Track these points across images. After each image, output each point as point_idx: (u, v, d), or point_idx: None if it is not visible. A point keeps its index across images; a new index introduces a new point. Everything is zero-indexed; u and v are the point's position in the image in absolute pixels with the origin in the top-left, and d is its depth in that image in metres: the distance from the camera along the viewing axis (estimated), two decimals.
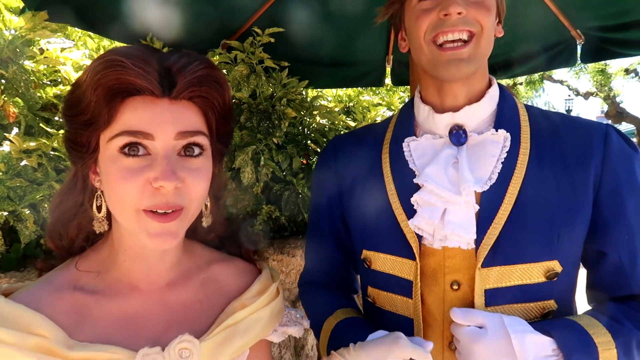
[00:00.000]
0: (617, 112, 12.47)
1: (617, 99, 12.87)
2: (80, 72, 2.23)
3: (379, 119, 3.53)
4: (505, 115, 0.99)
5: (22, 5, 1.98)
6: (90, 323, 0.75)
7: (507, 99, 1.02)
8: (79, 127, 0.76)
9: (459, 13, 0.89)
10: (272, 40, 2.64)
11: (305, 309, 1.22)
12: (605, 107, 13.09)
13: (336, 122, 3.15)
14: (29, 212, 1.77)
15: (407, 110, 1.11)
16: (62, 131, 1.93)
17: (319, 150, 2.96)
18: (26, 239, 1.79)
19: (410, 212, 0.98)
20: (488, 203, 0.93)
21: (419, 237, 0.97)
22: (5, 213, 1.71)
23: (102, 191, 0.80)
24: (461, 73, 0.93)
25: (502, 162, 0.94)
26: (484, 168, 0.95)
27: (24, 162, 1.81)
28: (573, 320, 0.89)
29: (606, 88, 12.79)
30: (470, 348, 0.84)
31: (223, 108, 0.82)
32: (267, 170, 2.65)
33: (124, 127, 0.73)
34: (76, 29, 2.50)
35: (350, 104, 3.54)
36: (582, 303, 0.96)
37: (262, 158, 2.60)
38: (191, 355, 0.76)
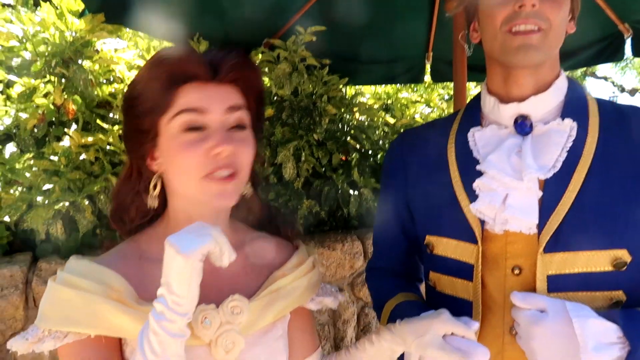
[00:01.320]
0: None
1: None
2: (133, 71, 2.34)
3: (417, 116, 3.54)
4: (573, 106, 1.00)
5: (81, 7, 2.09)
6: (152, 285, 0.82)
7: (575, 90, 1.03)
8: (141, 116, 0.88)
9: (533, 5, 0.91)
10: (314, 38, 2.69)
11: (370, 292, 1.28)
12: None
13: (375, 119, 3.18)
14: (87, 203, 1.88)
15: (474, 103, 1.13)
16: (117, 127, 2.04)
17: (358, 146, 2.99)
18: (84, 228, 1.90)
19: (473, 197, 1.00)
20: (552, 190, 0.94)
21: (482, 223, 0.99)
22: (66, 204, 1.82)
23: (160, 174, 0.92)
24: (529, 58, 0.94)
25: (567, 151, 0.95)
26: (548, 156, 0.96)
27: (82, 156, 1.92)
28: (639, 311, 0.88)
29: None
30: (530, 331, 0.84)
31: (258, 89, 0.96)
32: (308, 165, 2.71)
33: (182, 107, 0.85)
34: (127, 30, 2.61)
35: (389, 101, 3.56)
36: None
37: (303, 154, 2.66)
38: (241, 313, 0.86)
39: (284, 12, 2.90)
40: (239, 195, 0.92)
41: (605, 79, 12.75)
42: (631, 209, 0.91)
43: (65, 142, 1.94)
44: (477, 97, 1.13)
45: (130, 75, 2.33)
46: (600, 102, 1.02)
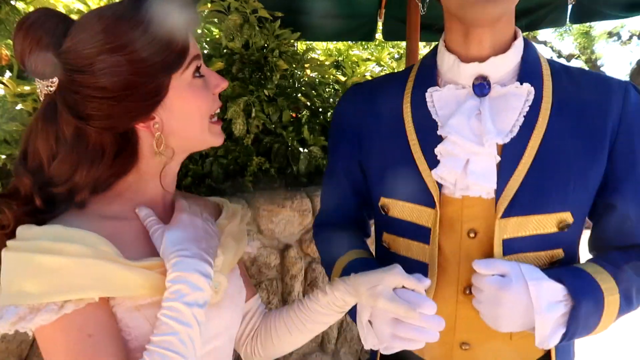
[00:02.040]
0: None
1: (599, 62, 12.99)
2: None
3: (368, 75, 3.54)
4: (529, 69, 1.00)
5: None
6: (130, 245, 0.80)
7: (530, 52, 1.02)
8: (155, 73, 0.79)
9: None
10: None
11: (318, 248, 1.28)
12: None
13: (326, 76, 3.16)
14: None
15: (429, 60, 1.11)
16: None
17: (308, 103, 2.98)
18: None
19: (432, 162, 1.00)
20: (509, 155, 0.95)
21: (440, 186, 1.00)
22: (3, 156, 1.72)
23: (159, 132, 0.85)
24: (487, 13, 0.91)
25: (524, 116, 0.96)
26: (506, 120, 0.97)
27: (19, 106, 1.80)
28: (581, 268, 0.94)
29: (588, 51, 12.88)
30: (496, 295, 0.87)
31: None
32: (258, 122, 2.67)
33: (193, 54, 0.85)
34: None
35: (340, 59, 3.53)
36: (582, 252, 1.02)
37: (253, 110, 2.61)
38: (219, 255, 0.89)
39: None
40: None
41: (545, 43, 13.19)
42: (581, 172, 0.94)
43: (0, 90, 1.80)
44: (433, 54, 1.11)
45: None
46: (552, 65, 1.03)
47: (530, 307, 0.86)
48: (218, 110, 0.93)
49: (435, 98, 1.04)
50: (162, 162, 0.89)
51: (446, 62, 1.05)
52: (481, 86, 0.99)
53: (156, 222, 0.84)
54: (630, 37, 12.68)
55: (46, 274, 0.70)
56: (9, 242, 0.73)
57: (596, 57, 12.87)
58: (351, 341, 3.06)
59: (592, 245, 1.07)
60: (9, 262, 0.72)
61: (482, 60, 0.99)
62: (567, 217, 0.96)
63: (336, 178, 1.22)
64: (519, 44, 1.01)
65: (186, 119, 0.87)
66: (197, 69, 0.86)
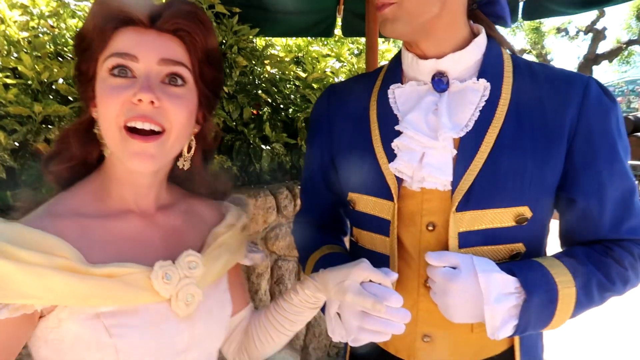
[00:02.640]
0: None
1: (549, 57, 13.49)
2: (15, 10, 2.07)
3: (328, 70, 3.53)
4: (489, 65, 1.01)
5: None
6: (100, 245, 0.81)
7: (493, 49, 1.04)
8: (80, 55, 0.86)
9: None
10: None
11: (295, 244, 1.30)
12: None
13: (287, 72, 3.13)
14: None
15: (396, 59, 1.13)
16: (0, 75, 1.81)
17: (269, 100, 2.94)
18: None
19: (391, 156, 1.02)
20: (465, 149, 0.97)
21: (399, 181, 1.02)
22: None
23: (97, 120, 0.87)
24: (389, 32, 0.96)
25: (480, 110, 0.98)
26: (462, 115, 0.98)
27: None
28: (536, 262, 0.95)
29: (539, 46, 13.35)
30: (446, 287, 0.89)
31: (206, 49, 0.88)
32: (218, 119, 2.62)
33: (113, 50, 0.81)
34: None
35: (300, 55, 3.51)
36: (556, 249, 1.03)
37: None
38: (197, 267, 0.87)
39: None
40: (163, 162, 0.86)
41: None
42: (537, 167, 0.96)
43: None
44: (400, 53, 1.13)
45: (12, 15, 2.06)
46: (515, 62, 1.05)
47: (481, 298, 0.88)
48: (147, 125, 0.80)
49: (397, 94, 1.07)
50: (115, 164, 0.87)
51: (406, 60, 1.07)
52: (439, 82, 1.01)
53: None
54: (577, 33, 13.24)
55: None
56: None
57: (546, 52, 13.37)
58: (319, 336, 3.06)
59: (561, 241, 1.09)
60: None
61: (439, 56, 1.01)
62: (525, 211, 0.97)
63: (312, 176, 1.24)
64: (479, 41, 1.02)
65: (100, 115, 0.83)
66: (119, 67, 0.80)
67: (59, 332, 0.77)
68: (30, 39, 2.05)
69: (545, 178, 0.97)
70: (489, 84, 0.99)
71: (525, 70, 1.03)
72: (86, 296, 0.75)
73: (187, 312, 0.86)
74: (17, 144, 1.83)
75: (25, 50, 1.98)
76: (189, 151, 0.95)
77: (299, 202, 2.89)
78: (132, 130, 0.80)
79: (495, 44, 1.05)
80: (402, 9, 0.94)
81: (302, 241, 1.27)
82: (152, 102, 0.79)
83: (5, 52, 1.95)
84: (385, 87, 1.10)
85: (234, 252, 1.02)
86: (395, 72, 1.11)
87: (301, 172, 3.14)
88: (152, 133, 0.81)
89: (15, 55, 1.97)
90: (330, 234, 1.26)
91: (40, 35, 2.14)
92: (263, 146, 2.73)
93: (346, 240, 1.30)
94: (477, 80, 1.00)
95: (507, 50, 1.08)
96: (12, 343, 0.75)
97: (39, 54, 2.01)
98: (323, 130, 1.18)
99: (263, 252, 1.14)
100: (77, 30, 2.33)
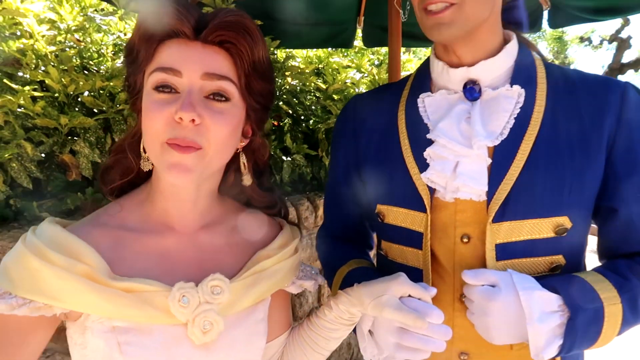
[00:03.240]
0: None
1: (572, 66, 13.29)
2: (44, 25, 2.12)
3: (348, 82, 3.53)
4: (522, 72, 0.99)
5: None
6: (130, 258, 0.81)
7: (525, 55, 1.02)
8: (128, 67, 0.86)
9: None
10: None
11: (320, 260, 1.26)
12: None
13: (307, 84, 3.13)
14: None
15: (424, 67, 1.11)
16: (28, 87, 1.85)
17: (290, 111, 2.94)
18: None
19: (423, 166, 0.99)
20: (500, 157, 0.94)
21: (431, 191, 0.99)
22: None
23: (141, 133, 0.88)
24: (444, 36, 0.93)
25: (514, 118, 0.95)
26: (496, 122, 0.96)
27: None
28: (579, 277, 0.91)
29: (562, 55, 13.17)
30: (485, 306, 0.85)
31: (253, 60, 0.85)
32: None
33: (158, 65, 0.81)
34: None
35: (320, 66, 3.51)
36: (594, 262, 0.98)
37: None
38: (222, 293, 0.82)
39: None
40: (202, 175, 0.84)
41: None
42: (576, 175, 0.92)
43: None
44: (427, 62, 1.11)
45: (40, 30, 2.11)
46: (549, 68, 1.03)
47: (522, 318, 0.84)
48: (190, 143, 0.78)
49: (427, 103, 1.04)
50: (160, 178, 0.87)
51: (436, 68, 1.05)
52: (471, 90, 0.99)
53: None
54: (601, 42, 13.02)
55: (27, 272, 0.74)
56: (29, 231, 0.80)
57: (569, 62, 13.17)
58: (340, 350, 3.02)
59: (600, 252, 1.04)
60: (17, 249, 0.78)
61: (470, 64, 0.99)
62: (564, 221, 0.93)
63: (337, 188, 1.22)
64: (511, 48, 1.00)
65: (143, 129, 0.83)
66: (163, 83, 0.80)
67: (83, 339, 0.79)
68: (57, 52, 2.09)
69: (584, 187, 0.94)
70: (523, 90, 0.97)
71: (559, 75, 1.00)
72: (100, 307, 0.75)
73: (204, 340, 0.81)
74: (43, 155, 1.86)
75: (52, 63, 2.03)
76: (244, 167, 0.94)
77: (320, 213, 2.87)
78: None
79: (526, 49, 1.03)
80: (462, 12, 0.91)
81: (327, 256, 1.23)
82: (193, 120, 0.78)
83: (33, 66, 1.99)
84: (413, 96, 1.08)
85: (280, 278, 0.95)
86: (423, 80, 1.09)
87: (322, 183, 3.12)
88: (190, 145, 0.80)
89: (43, 68, 2.02)
90: (357, 248, 1.23)
91: (67, 49, 2.19)
92: (284, 157, 2.73)
93: (371, 254, 1.27)
94: (511, 86, 0.97)
95: (538, 56, 1.06)
96: (22, 343, 0.76)
97: (66, 68, 2.04)
98: (349, 141, 1.16)
99: (317, 278, 1.06)
100: (103, 44, 2.38)
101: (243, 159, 0.94)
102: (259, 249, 0.94)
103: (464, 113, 0.99)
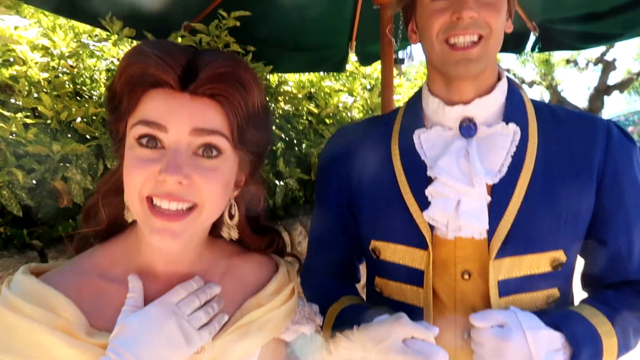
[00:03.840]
0: (558, 101, 13.12)
1: (559, 88, 13.51)
2: (36, 52, 2.12)
3: (340, 106, 3.56)
4: (514, 109, 1.01)
5: None
6: (111, 311, 0.76)
7: (514, 92, 1.04)
8: (110, 114, 0.80)
9: (471, 17, 0.90)
10: (238, 23, 2.59)
11: (307, 293, 1.22)
12: (547, 95, 13.73)
13: (300, 108, 3.15)
14: None
15: (415, 102, 1.12)
16: (20, 114, 1.84)
17: (283, 136, 2.95)
18: None
19: (423, 203, 0.99)
20: (499, 195, 0.95)
21: (431, 228, 0.99)
22: None
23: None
24: (470, 72, 0.95)
25: (511, 156, 0.97)
26: (494, 160, 0.97)
27: None
28: (577, 312, 0.93)
29: (549, 77, 13.39)
30: (499, 348, 0.84)
31: (248, 112, 0.78)
32: None
33: (141, 117, 0.74)
34: (30, 5, 2.35)
35: (313, 90, 3.54)
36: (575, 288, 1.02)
37: None
38: (202, 352, 0.77)
39: None
40: (193, 236, 0.80)
41: (508, 70, 13.68)
42: (571, 209, 0.95)
43: None
44: (418, 96, 1.12)
45: (33, 57, 2.11)
46: (536, 104, 1.06)
47: (531, 357, 0.85)
48: (174, 205, 0.72)
49: (423, 139, 1.05)
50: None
51: (431, 105, 1.06)
52: (468, 128, 1.00)
53: (133, 301, 0.77)
54: (587, 64, 13.27)
55: (1, 328, 0.71)
56: (4, 285, 0.75)
57: (556, 83, 13.39)
58: None
59: (585, 282, 1.07)
60: None
61: (466, 102, 1.00)
62: (560, 255, 0.96)
63: (325, 219, 1.19)
64: (502, 85, 1.03)
65: (125, 185, 0.76)
66: (146, 137, 0.73)
67: None
68: (50, 79, 2.09)
69: (578, 220, 0.96)
70: (518, 128, 0.99)
71: (546, 112, 1.03)
72: None
73: None
74: (34, 182, 1.84)
75: (45, 90, 2.02)
76: (231, 218, 0.88)
77: None
78: (157, 206, 0.73)
79: (514, 86, 1.05)
80: (487, 47, 0.94)
81: (316, 293, 1.18)
82: (180, 182, 0.72)
83: (26, 93, 1.98)
84: (406, 131, 1.08)
85: (272, 327, 0.87)
86: (416, 116, 1.09)
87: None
88: (179, 211, 0.74)
89: (36, 95, 2.01)
90: (346, 283, 1.21)
91: (60, 75, 2.18)
92: (277, 182, 2.72)
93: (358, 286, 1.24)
94: (507, 124, 0.99)
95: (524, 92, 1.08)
96: None
97: (59, 94, 2.04)
98: (339, 175, 1.15)
99: (316, 318, 0.98)
100: (96, 69, 2.38)
101: (234, 210, 0.88)
102: (250, 296, 0.88)
103: (461, 150, 0.99)
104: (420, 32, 1.01)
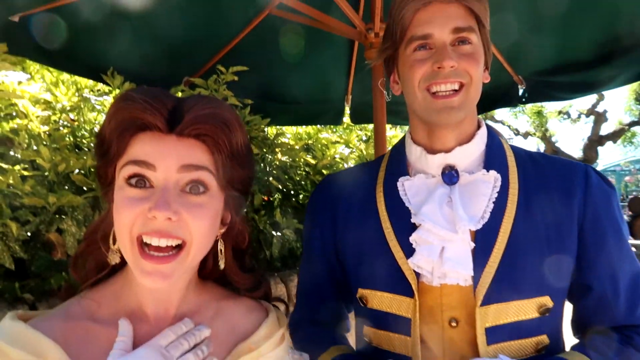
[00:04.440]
0: (553, 151, 13.29)
1: (553, 139, 13.73)
2: (37, 107, 2.16)
3: (337, 157, 3.60)
4: (494, 156, 1.04)
5: None
6: (99, 354, 0.76)
7: (494, 139, 1.07)
8: (99, 158, 0.83)
9: (452, 66, 0.94)
10: (236, 78, 2.67)
11: (297, 347, 1.18)
12: (542, 146, 13.93)
13: (297, 159, 3.19)
14: None
15: (399, 150, 1.14)
16: (18, 166, 1.85)
17: (280, 187, 2.97)
18: None
19: (408, 250, 0.99)
20: (482, 241, 0.96)
21: (417, 275, 0.99)
22: None
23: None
24: (452, 119, 0.98)
25: (493, 202, 0.98)
26: (477, 206, 0.98)
27: None
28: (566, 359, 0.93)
29: (542, 128, 13.63)
30: None
31: (232, 150, 0.83)
32: None
33: (130, 158, 0.77)
34: (34, 62, 2.43)
35: (310, 142, 3.59)
36: (566, 333, 1.01)
37: None
38: None
39: (205, 50, 2.86)
40: (182, 276, 0.82)
41: (502, 122, 13.94)
42: (554, 253, 0.95)
43: None
44: (401, 144, 1.14)
45: (34, 111, 2.15)
46: (515, 151, 1.08)
47: None
48: (164, 242, 0.75)
49: (407, 186, 1.06)
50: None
51: (414, 153, 1.08)
52: (450, 175, 1.03)
53: (122, 344, 0.76)
54: (579, 116, 13.56)
55: None
56: None
57: (550, 134, 13.62)
58: None
59: (576, 328, 1.06)
60: None
61: (447, 150, 1.03)
62: (547, 301, 0.95)
63: (313, 268, 1.19)
64: (482, 133, 1.06)
65: (115, 226, 0.79)
66: (136, 177, 0.76)
67: None
68: (50, 132, 2.12)
69: (562, 265, 0.96)
70: (499, 175, 1.01)
71: (526, 158, 1.06)
72: None
73: None
74: (29, 234, 1.83)
75: (44, 142, 2.05)
76: (221, 253, 0.90)
77: None
78: (147, 245, 0.75)
79: (493, 133, 1.08)
80: (468, 95, 0.97)
81: (305, 342, 1.16)
82: (169, 218, 0.74)
83: (25, 145, 2.01)
84: (390, 179, 1.09)
85: None
86: (400, 163, 1.11)
87: None
88: (168, 249, 0.76)
89: (35, 147, 2.04)
90: (335, 332, 1.18)
91: (61, 128, 2.22)
92: (274, 232, 2.71)
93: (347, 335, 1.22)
94: (488, 171, 1.00)
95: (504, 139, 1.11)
96: None
97: (58, 147, 2.07)
98: (325, 220, 1.15)
99: None
100: (97, 123, 2.42)
101: (221, 246, 0.90)
102: (241, 341, 0.87)
103: (444, 197, 1.01)
104: (403, 82, 1.05)
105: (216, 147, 0.81)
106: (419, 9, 0.99)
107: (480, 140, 1.05)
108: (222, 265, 0.91)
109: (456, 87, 0.96)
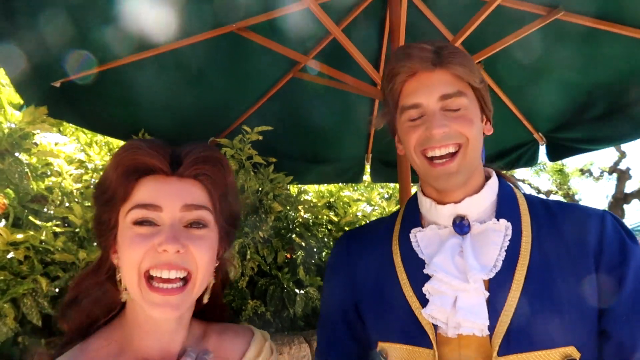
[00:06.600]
0: None
1: (576, 197, 13.52)
2: (72, 165, 2.25)
3: (359, 214, 3.61)
4: (505, 205, 1.04)
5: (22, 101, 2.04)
6: None
7: (505, 189, 1.08)
8: (102, 205, 0.87)
9: (443, 132, 0.95)
10: (260, 137, 2.75)
11: None
12: None
13: (320, 217, 3.20)
14: (10, 307, 1.69)
15: (412, 203, 1.15)
16: (50, 223, 1.91)
17: (303, 244, 2.97)
18: (3, 336, 1.69)
19: (424, 301, 0.98)
20: (496, 289, 0.94)
21: (435, 327, 0.97)
22: None
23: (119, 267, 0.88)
24: (452, 184, 0.99)
25: (505, 250, 0.97)
26: (488, 256, 0.98)
27: (10, 255, 1.75)
28: None
29: (565, 186, 13.48)
30: None
31: (225, 186, 0.92)
32: (253, 263, 2.63)
33: (137, 202, 0.83)
34: (71, 125, 2.55)
35: (332, 200, 3.63)
36: None
37: (248, 251, 2.59)
38: None
39: (231, 111, 2.98)
40: (188, 306, 0.88)
41: (524, 181, 13.84)
42: (573, 305, 0.92)
43: None
44: (415, 196, 1.16)
45: (69, 169, 2.24)
46: (529, 199, 1.08)
47: None
48: (173, 273, 0.81)
49: (419, 237, 1.07)
50: (138, 311, 0.86)
51: (424, 205, 1.09)
52: (461, 225, 1.03)
53: None
54: (601, 174, 13.40)
55: None
56: None
57: (573, 192, 13.43)
58: None
59: None
60: None
61: (457, 202, 1.03)
62: (572, 351, 0.91)
63: (332, 324, 1.17)
64: (492, 183, 1.07)
65: (123, 263, 0.84)
66: (141, 219, 0.82)
67: None
68: (82, 190, 2.20)
69: (584, 313, 0.93)
70: (509, 223, 1.00)
71: (539, 206, 1.05)
72: None
73: None
74: (57, 290, 1.86)
75: (76, 200, 2.11)
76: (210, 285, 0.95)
77: None
78: (154, 278, 0.81)
79: (505, 183, 1.08)
80: (465, 157, 0.98)
81: None
82: (178, 251, 0.81)
83: (58, 202, 2.08)
84: (405, 231, 1.10)
85: None
86: (413, 215, 1.12)
87: None
88: (176, 281, 0.82)
89: (67, 204, 2.10)
90: None
91: (92, 186, 2.29)
92: (297, 290, 2.69)
93: None
94: (498, 220, 1.01)
95: (519, 188, 1.11)
96: None
97: (90, 204, 2.13)
98: (345, 276, 1.15)
99: None
100: (99, 179, 2.50)
101: (212, 280, 0.95)
102: None
103: (456, 247, 1.01)
104: (403, 145, 1.07)
105: (213, 185, 0.90)
106: (406, 80, 1.03)
107: (490, 190, 1.05)
108: (206, 299, 0.95)
109: (452, 150, 0.98)
